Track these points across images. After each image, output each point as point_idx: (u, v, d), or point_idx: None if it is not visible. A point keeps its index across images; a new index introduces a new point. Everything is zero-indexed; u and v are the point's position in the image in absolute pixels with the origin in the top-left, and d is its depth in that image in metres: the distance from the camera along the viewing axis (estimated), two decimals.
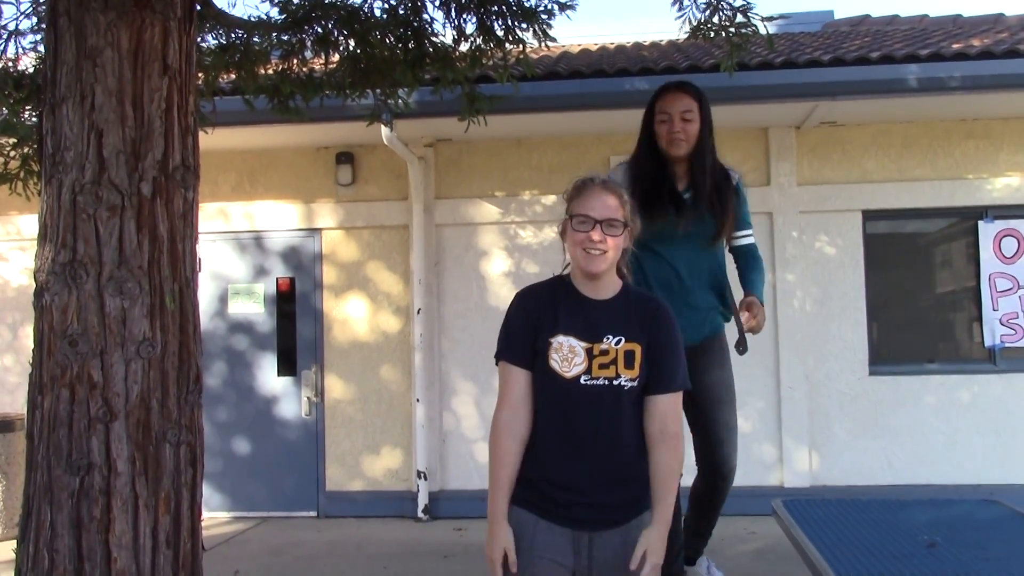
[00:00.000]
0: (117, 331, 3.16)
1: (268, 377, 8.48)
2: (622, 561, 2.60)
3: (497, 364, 2.77)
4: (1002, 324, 7.88)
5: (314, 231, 8.49)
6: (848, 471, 7.86)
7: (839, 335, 7.97)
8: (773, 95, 7.15)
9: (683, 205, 4.16)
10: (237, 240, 8.56)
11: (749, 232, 4.47)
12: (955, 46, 7.17)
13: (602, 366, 2.63)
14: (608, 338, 2.65)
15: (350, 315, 8.34)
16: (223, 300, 8.53)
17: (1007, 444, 7.76)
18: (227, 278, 8.54)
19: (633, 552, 2.60)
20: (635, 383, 2.64)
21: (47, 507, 3.12)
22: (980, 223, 7.96)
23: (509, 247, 8.28)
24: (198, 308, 3.48)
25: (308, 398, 8.36)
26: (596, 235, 2.66)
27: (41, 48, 4.79)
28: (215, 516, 8.21)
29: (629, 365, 2.64)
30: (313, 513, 8.33)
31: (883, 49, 7.27)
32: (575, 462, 2.63)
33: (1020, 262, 7.90)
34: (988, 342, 7.90)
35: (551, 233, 8.20)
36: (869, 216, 8.07)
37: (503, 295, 8.17)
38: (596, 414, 2.62)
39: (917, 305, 8.17)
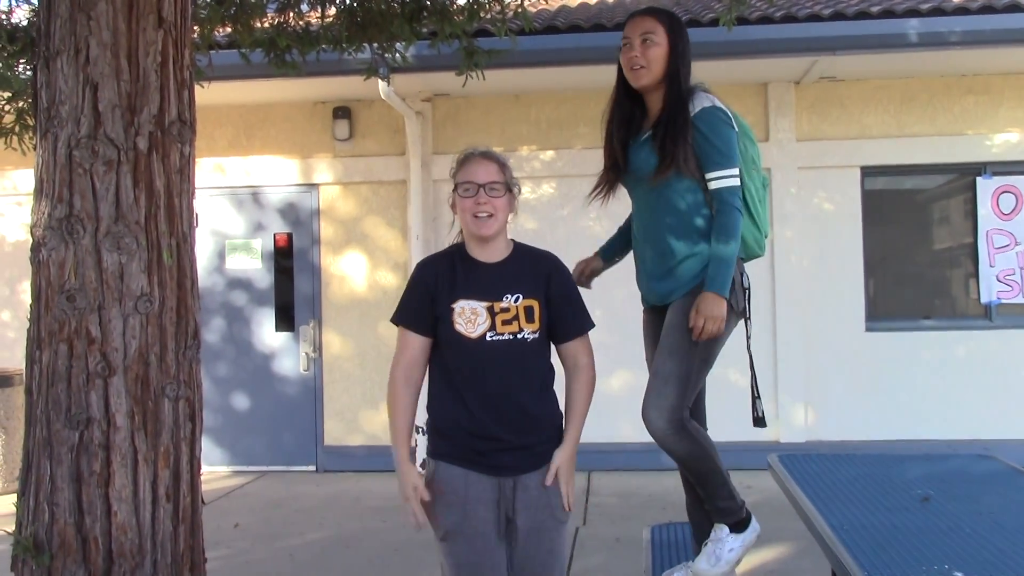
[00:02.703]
0: (115, 286, 3.16)
1: (266, 332, 8.49)
2: (542, 502, 2.86)
3: (395, 324, 2.97)
4: (999, 280, 7.89)
5: (311, 186, 8.47)
6: (844, 426, 7.91)
7: (836, 291, 7.99)
8: (773, 50, 7.11)
9: (632, 144, 3.59)
10: (234, 195, 8.54)
11: (720, 173, 3.38)
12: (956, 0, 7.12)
13: (505, 322, 2.85)
14: (507, 297, 2.87)
15: (348, 271, 8.34)
16: (221, 255, 8.53)
17: (1002, 399, 7.80)
18: (225, 233, 8.53)
19: (549, 491, 2.87)
20: (537, 335, 2.89)
21: (47, 461, 3.14)
22: (978, 179, 7.95)
23: None
24: (196, 263, 3.47)
25: (306, 353, 8.38)
26: (482, 198, 2.84)
27: (35, 0, 4.74)
28: (215, 470, 8.26)
29: (530, 319, 2.87)
30: (312, 467, 8.39)
31: (884, 3, 7.21)
32: (491, 412, 2.83)
33: (1018, 218, 7.90)
34: (984, 298, 7.92)
35: (549, 189, 8.19)
36: (868, 172, 8.06)
37: None
38: (504, 366, 2.83)
39: (914, 261, 8.18)
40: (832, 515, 3.16)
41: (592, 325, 3.05)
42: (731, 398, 7.66)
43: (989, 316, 7.96)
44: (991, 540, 2.82)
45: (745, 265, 3.62)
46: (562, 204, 8.17)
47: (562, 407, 3.01)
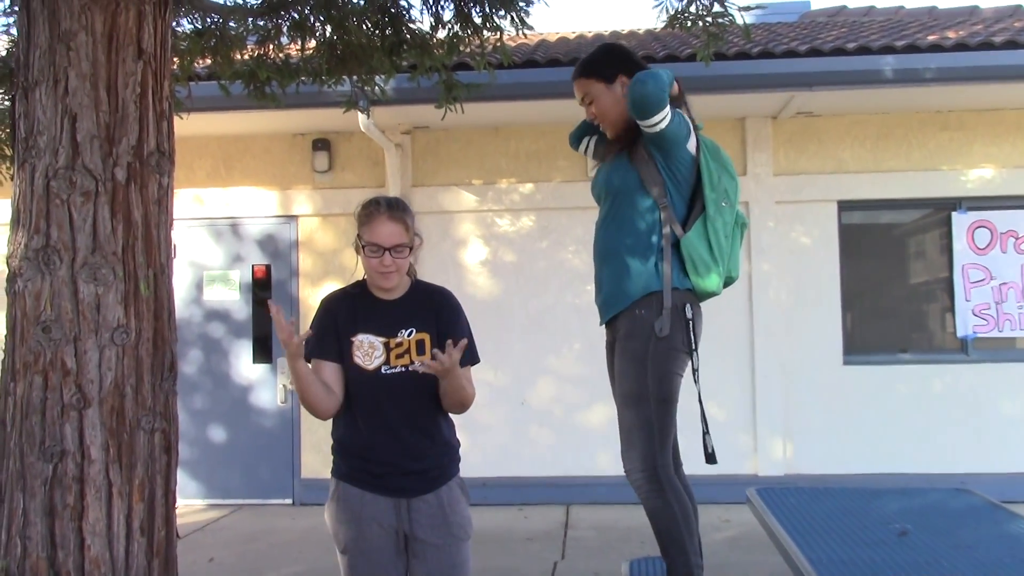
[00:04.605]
0: (91, 317, 3.14)
1: (244, 364, 8.44)
2: (437, 521, 3.06)
3: (308, 361, 3.08)
4: (974, 315, 7.95)
5: (290, 218, 8.45)
6: (822, 460, 7.91)
7: (814, 325, 8.02)
8: (750, 85, 7.17)
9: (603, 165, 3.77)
10: (213, 226, 8.52)
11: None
12: (930, 38, 7.21)
13: (398, 356, 3.05)
14: (402, 332, 3.07)
15: None
16: (199, 287, 8.48)
17: (979, 433, 7.84)
18: (202, 265, 8.49)
19: (446, 511, 3.07)
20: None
21: (20, 494, 3.10)
22: (954, 214, 8.02)
23: (486, 235, 8.27)
24: (173, 295, 3.46)
25: (284, 386, 8.34)
26: (387, 260, 3.02)
27: (14, 31, 4.73)
28: (190, 504, 8.17)
29: (421, 352, 3.06)
30: (288, 501, 8.31)
31: (859, 40, 7.31)
32: (387, 439, 3.03)
33: (993, 253, 7.97)
34: (961, 332, 7.97)
35: (528, 222, 8.21)
36: (844, 207, 8.12)
37: (480, 283, 8.17)
38: (399, 397, 3.02)
39: (891, 295, 8.23)
40: (811, 549, 3.16)
41: (476, 360, 3.20)
42: (709, 431, 7.67)
43: (965, 350, 8.01)
44: (969, 575, 2.82)
45: (713, 300, 3.60)
46: (541, 237, 8.19)
47: (458, 435, 3.23)
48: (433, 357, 2.85)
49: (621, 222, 3.53)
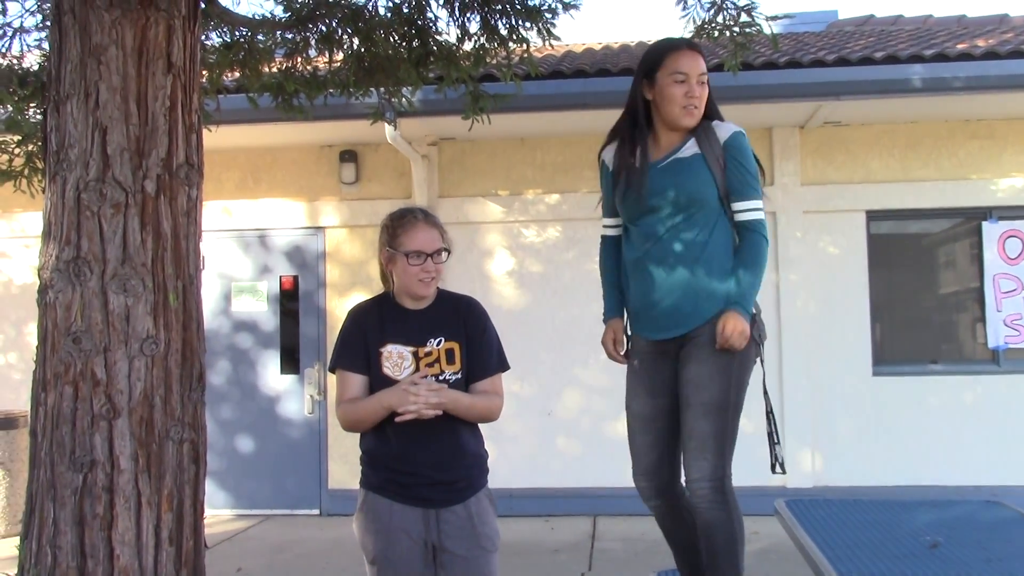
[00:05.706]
0: (121, 328, 3.16)
1: (271, 375, 8.48)
2: (466, 532, 3.05)
3: (333, 372, 3.22)
4: (1006, 325, 7.86)
5: (318, 229, 8.49)
6: (851, 472, 7.85)
7: (842, 336, 7.96)
8: (777, 95, 7.14)
9: (643, 174, 3.54)
10: (241, 238, 8.57)
11: (747, 205, 3.45)
12: (960, 46, 7.16)
13: (428, 366, 3.06)
14: (431, 341, 3.08)
15: None
16: (227, 298, 8.54)
17: (1010, 445, 7.75)
18: (231, 276, 8.54)
19: (475, 522, 3.05)
20: (458, 375, 3.08)
21: (50, 504, 3.13)
22: (984, 224, 7.95)
23: (512, 246, 8.28)
24: (201, 306, 3.48)
25: (311, 396, 8.37)
26: (429, 266, 3.06)
27: (46, 45, 4.79)
28: (218, 514, 8.21)
29: (451, 361, 3.08)
30: (316, 511, 8.33)
31: (887, 49, 7.26)
32: (416, 450, 3.02)
33: None
34: (992, 343, 7.89)
35: (555, 232, 8.21)
36: (873, 216, 8.06)
37: (507, 294, 8.17)
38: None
39: (921, 306, 8.16)
40: (840, 562, 3.14)
41: (505, 368, 3.21)
42: (738, 442, 7.63)
43: (997, 361, 7.92)
44: None
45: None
46: (567, 247, 8.19)
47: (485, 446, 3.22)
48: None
49: (706, 232, 3.42)
